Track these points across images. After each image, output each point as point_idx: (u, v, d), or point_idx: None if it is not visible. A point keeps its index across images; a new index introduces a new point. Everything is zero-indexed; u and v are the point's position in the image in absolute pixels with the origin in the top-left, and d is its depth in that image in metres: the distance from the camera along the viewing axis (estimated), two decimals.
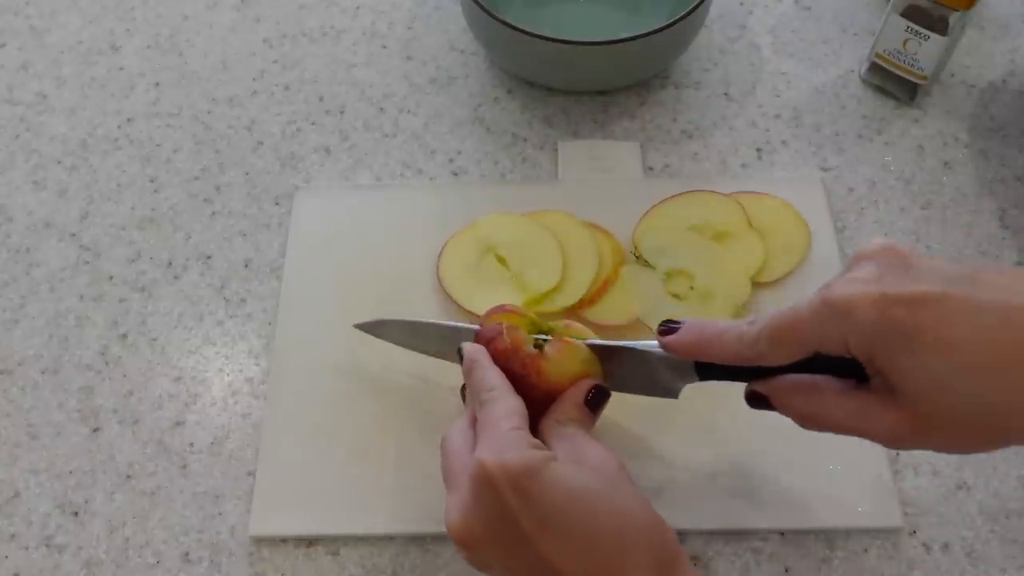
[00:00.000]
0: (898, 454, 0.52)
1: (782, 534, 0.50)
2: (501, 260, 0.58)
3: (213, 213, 0.64)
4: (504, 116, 0.68)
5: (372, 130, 0.68)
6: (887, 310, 0.35)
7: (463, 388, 0.46)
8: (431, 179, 0.65)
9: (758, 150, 0.66)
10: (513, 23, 0.62)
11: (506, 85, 0.70)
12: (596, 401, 0.44)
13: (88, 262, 0.62)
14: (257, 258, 0.61)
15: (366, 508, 0.51)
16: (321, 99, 0.70)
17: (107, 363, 0.57)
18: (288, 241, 0.61)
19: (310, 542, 0.50)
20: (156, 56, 0.73)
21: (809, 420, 0.40)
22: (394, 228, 0.61)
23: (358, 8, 0.76)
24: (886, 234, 0.61)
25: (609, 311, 0.56)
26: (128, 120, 0.69)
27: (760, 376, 0.42)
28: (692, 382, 0.45)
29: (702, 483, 0.51)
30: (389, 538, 0.50)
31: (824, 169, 0.65)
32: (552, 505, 0.37)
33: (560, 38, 0.61)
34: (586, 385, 0.44)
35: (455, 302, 0.57)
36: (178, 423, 0.55)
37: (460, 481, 0.40)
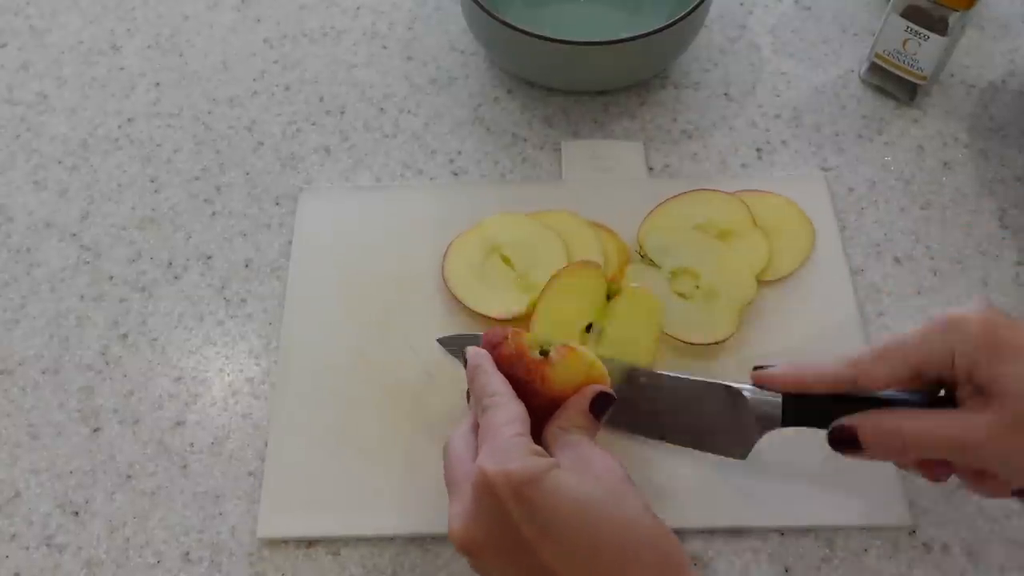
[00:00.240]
0: None
1: (782, 534, 0.50)
2: (506, 260, 0.58)
3: (213, 213, 0.64)
4: (504, 116, 0.68)
5: (372, 130, 0.68)
6: (993, 327, 0.40)
7: (468, 392, 0.46)
8: (431, 179, 0.65)
9: (758, 150, 0.66)
10: (513, 23, 0.62)
11: (506, 85, 0.70)
12: (601, 407, 0.44)
13: (88, 262, 0.62)
14: (257, 258, 0.61)
15: (372, 509, 0.51)
16: (321, 99, 0.70)
17: (107, 363, 0.57)
18: (292, 242, 0.61)
19: (310, 542, 0.51)
20: (156, 56, 0.73)
21: (896, 439, 0.42)
22: (398, 229, 0.61)
23: (358, 8, 0.76)
24: (886, 234, 0.61)
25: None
26: (129, 120, 0.69)
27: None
28: (772, 428, 0.46)
29: (702, 483, 0.51)
30: (389, 538, 0.51)
31: (824, 169, 0.65)
32: (554, 513, 0.37)
33: (560, 38, 0.61)
34: (591, 391, 0.44)
35: (460, 303, 0.57)
36: (178, 423, 0.55)
37: (462, 489, 0.40)
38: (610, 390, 0.44)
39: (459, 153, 0.66)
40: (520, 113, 0.68)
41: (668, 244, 0.58)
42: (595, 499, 0.38)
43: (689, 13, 0.62)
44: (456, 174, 0.65)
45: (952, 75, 0.70)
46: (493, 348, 0.45)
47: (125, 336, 0.58)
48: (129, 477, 0.53)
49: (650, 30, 0.61)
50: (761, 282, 0.57)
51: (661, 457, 0.51)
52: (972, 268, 0.60)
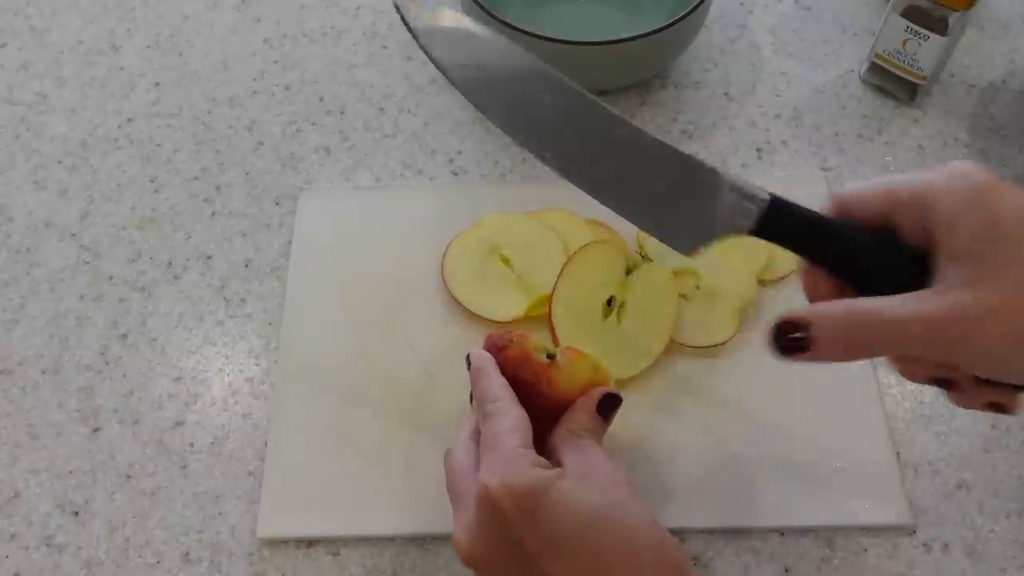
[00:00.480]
0: (898, 453, 0.52)
1: (782, 534, 0.50)
2: (505, 260, 0.58)
3: (213, 213, 0.64)
4: None
5: (372, 130, 0.68)
6: (985, 184, 0.35)
7: (472, 395, 0.45)
8: (431, 179, 0.65)
9: (758, 150, 0.66)
10: (513, 23, 0.62)
11: None
12: (608, 408, 0.44)
13: (88, 262, 0.62)
14: (257, 258, 0.61)
15: (372, 509, 0.51)
16: (321, 99, 0.70)
17: (107, 363, 0.57)
18: (292, 242, 0.61)
19: (310, 542, 0.50)
20: (156, 56, 0.73)
21: (856, 328, 0.36)
22: (398, 229, 0.61)
23: (358, 8, 0.76)
24: None
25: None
26: (128, 120, 0.69)
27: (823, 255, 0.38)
28: (740, 233, 0.39)
29: (702, 483, 0.51)
30: (389, 538, 0.50)
31: (824, 169, 0.65)
32: (558, 525, 0.37)
33: (560, 38, 0.61)
34: (598, 393, 0.44)
35: (460, 303, 0.57)
36: (178, 423, 0.55)
37: (466, 501, 0.40)
38: (617, 391, 0.44)
39: (459, 153, 0.66)
40: None
41: None
42: (598, 509, 0.38)
43: (689, 13, 0.62)
44: (456, 174, 0.65)
45: (952, 75, 0.70)
46: (498, 351, 0.45)
47: (125, 336, 0.58)
48: (129, 477, 0.53)
49: (650, 30, 0.61)
50: (762, 282, 0.57)
51: (662, 458, 0.52)
52: None
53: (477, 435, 0.42)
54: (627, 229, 0.59)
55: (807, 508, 0.50)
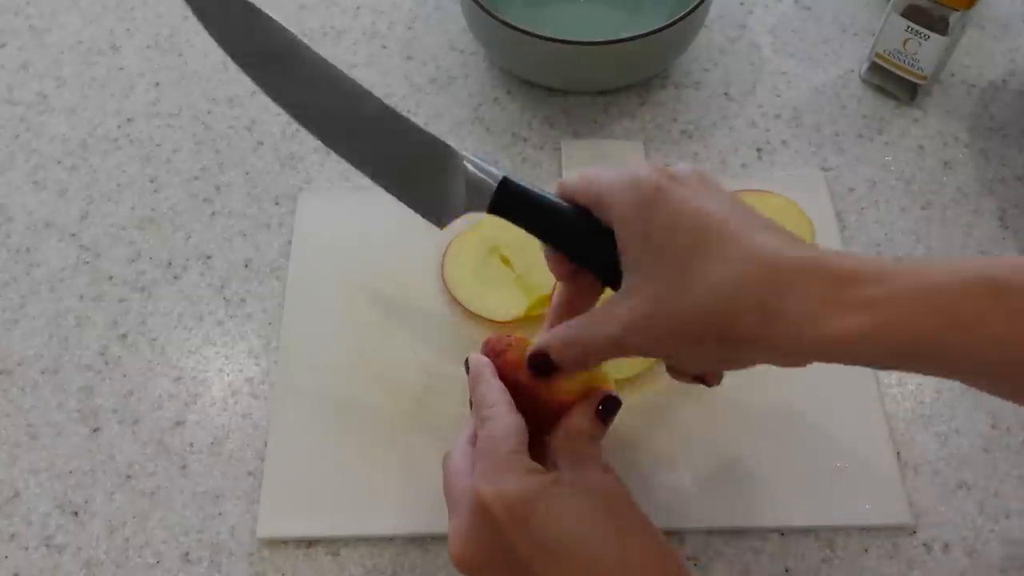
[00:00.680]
0: (899, 453, 0.52)
1: (782, 534, 0.50)
2: (505, 261, 0.58)
3: (213, 213, 0.64)
4: (504, 116, 0.68)
5: None
6: (648, 195, 0.38)
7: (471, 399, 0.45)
8: None
9: (758, 150, 0.66)
10: (513, 23, 0.62)
11: (506, 85, 0.70)
12: (607, 411, 0.44)
13: (88, 262, 0.62)
14: (257, 258, 0.61)
15: (372, 509, 0.51)
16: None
17: (107, 363, 0.57)
18: (292, 242, 0.61)
19: (310, 542, 0.50)
20: (156, 56, 0.73)
21: (581, 353, 0.40)
22: (397, 229, 0.61)
23: (358, 8, 0.76)
24: (886, 234, 0.61)
25: None
26: (128, 120, 0.69)
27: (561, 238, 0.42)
28: (480, 210, 0.44)
29: (702, 483, 0.51)
30: (389, 538, 0.50)
31: (824, 169, 0.65)
32: (550, 532, 0.37)
33: (560, 38, 0.61)
34: (597, 397, 0.44)
35: (460, 304, 0.57)
36: (178, 423, 0.55)
37: (460, 507, 0.40)
38: (616, 394, 0.44)
39: None
40: (520, 113, 0.68)
41: None
42: (593, 516, 0.38)
43: (689, 13, 0.62)
44: None
45: (952, 75, 0.70)
46: (497, 355, 0.45)
47: (125, 336, 0.58)
48: (129, 477, 0.53)
49: (650, 30, 0.61)
50: None
51: (662, 458, 0.52)
52: None
53: (475, 440, 0.42)
54: None
55: (807, 508, 0.50)
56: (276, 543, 0.50)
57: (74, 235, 0.63)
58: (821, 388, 0.53)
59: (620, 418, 0.45)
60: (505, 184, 0.43)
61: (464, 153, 0.44)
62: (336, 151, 0.46)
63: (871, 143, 0.66)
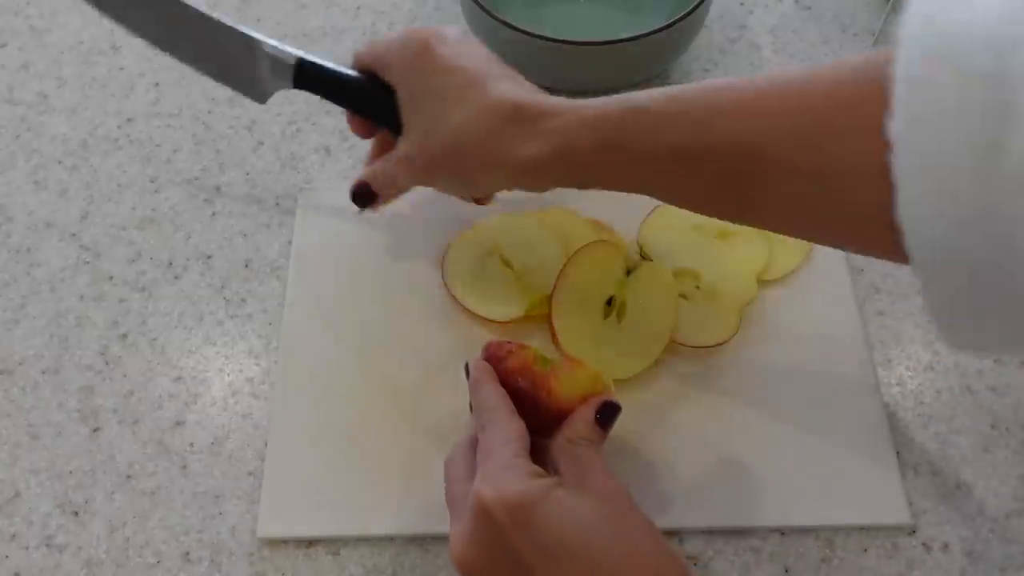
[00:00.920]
0: (899, 453, 0.52)
1: (782, 534, 0.50)
2: (505, 261, 0.58)
3: (213, 213, 0.64)
4: None
5: None
6: (419, 50, 0.49)
7: (471, 403, 0.46)
8: None
9: None
10: (513, 23, 0.62)
11: None
12: (607, 417, 0.44)
13: (88, 262, 0.62)
14: (257, 258, 0.61)
15: (372, 509, 0.51)
16: (321, 99, 0.70)
17: (107, 363, 0.57)
18: (292, 242, 0.61)
19: (310, 542, 0.50)
20: (156, 56, 0.73)
21: (393, 183, 0.52)
22: (397, 229, 0.61)
23: (358, 8, 0.76)
24: None
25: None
26: (128, 120, 0.69)
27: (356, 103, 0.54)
28: (287, 87, 0.54)
29: (701, 482, 0.51)
30: (389, 538, 0.51)
31: None
32: (552, 535, 0.37)
33: (560, 38, 0.61)
34: (597, 402, 0.44)
35: (460, 304, 0.57)
36: (178, 423, 0.55)
37: (462, 511, 0.40)
38: (616, 400, 0.44)
39: None
40: None
41: (668, 244, 0.58)
42: (594, 518, 0.38)
43: (689, 13, 0.62)
44: None
45: None
46: (498, 362, 0.45)
47: (125, 336, 0.58)
48: (129, 477, 0.53)
49: (650, 30, 0.61)
50: (762, 282, 0.57)
51: (662, 458, 0.52)
52: None
53: (475, 444, 0.43)
54: (627, 229, 0.59)
55: (807, 508, 0.50)
56: (276, 543, 0.50)
57: (74, 235, 0.63)
58: (821, 388, 0.53)
59: (621, 417, 0.45)
60: (302, 62, 0.53)
61: (267, 40, 0.53)
62: (168, 52, 0.56)
63: None
